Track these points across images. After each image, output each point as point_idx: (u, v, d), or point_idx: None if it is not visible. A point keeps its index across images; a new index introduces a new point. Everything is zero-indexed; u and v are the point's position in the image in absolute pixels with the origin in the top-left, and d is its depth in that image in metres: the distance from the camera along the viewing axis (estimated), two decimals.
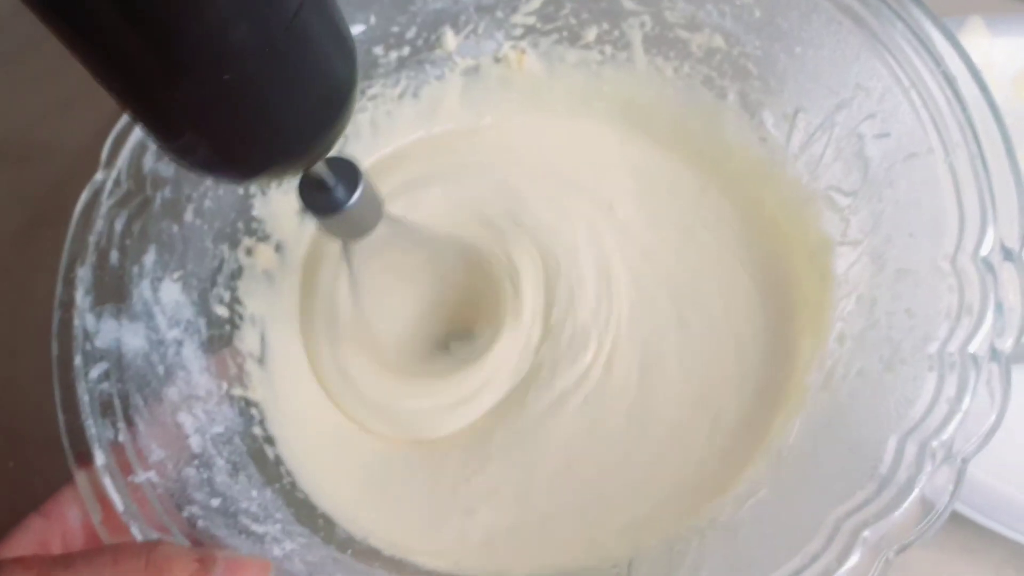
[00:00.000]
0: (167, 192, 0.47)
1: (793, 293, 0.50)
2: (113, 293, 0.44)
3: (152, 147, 0.46)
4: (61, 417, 0.41)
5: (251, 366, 0.49)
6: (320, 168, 0.35)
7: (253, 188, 0.51)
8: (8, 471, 0.55)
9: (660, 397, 0.49)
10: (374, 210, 0.40)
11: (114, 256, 0.44)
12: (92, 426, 0.40)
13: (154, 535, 0.39)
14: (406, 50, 0.54)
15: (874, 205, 0.45)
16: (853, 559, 0.36)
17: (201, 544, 0.39)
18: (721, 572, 0.40)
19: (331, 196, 0.37)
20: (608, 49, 0.55)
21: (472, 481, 0.49)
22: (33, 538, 0.39)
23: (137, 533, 0.39)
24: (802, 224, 0.50)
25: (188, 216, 0.48)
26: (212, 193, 0.49)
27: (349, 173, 0.37)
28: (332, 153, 0.34)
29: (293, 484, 0.46)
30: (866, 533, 0.36)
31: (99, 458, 0.40)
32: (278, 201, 0.53)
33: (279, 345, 0.51)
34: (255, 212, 0.52)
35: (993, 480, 0.48)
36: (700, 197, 0.55)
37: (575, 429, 0.49)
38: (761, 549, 0.39)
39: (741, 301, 0.51)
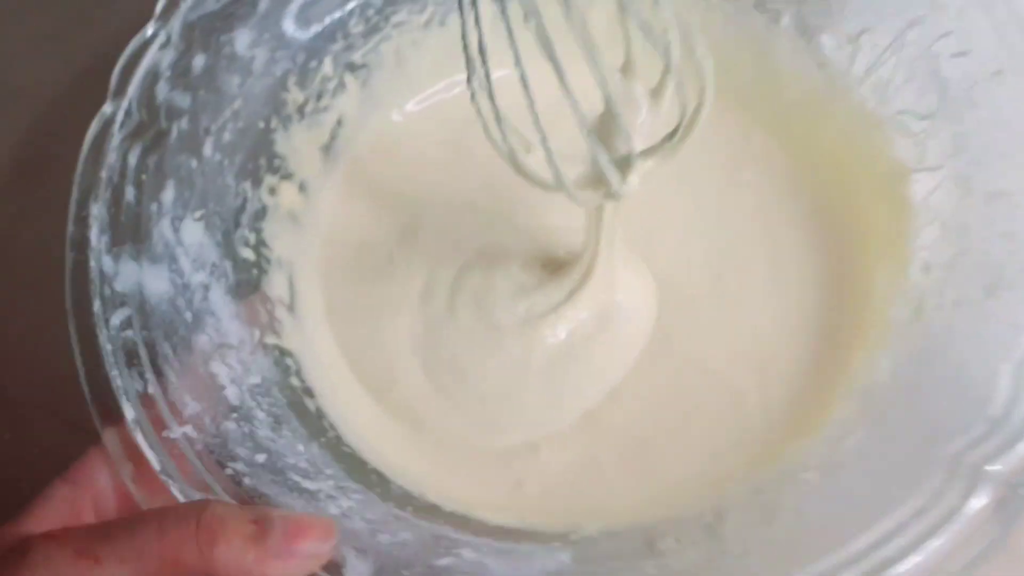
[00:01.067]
0: (183, 123, 0.44)
1: (860, 226, 0.48)
2: (131, 233, 0.41)
3: (165, 74, 0.43)
4: (82, 368, 0.37)
5: (281, 313, 0.46)
6: None
7: (274, 123, 0.48)
8: (4, 443, 0.51)
9: (702, 349, 0.48)
10: None
11: (130, 192, 0.41)
12: (118, 377, 0.37)
13: (196, 495, 0.36)
14: None
15: (955, 127, 0.44)
16: (982, 496, 0.33)
17: (250, 503, 0.37)
18: (827, 517, 0.37)
19: None
20: None
21: None
22: (61, 507, 0.36)
23: (178, 494, 0.36)
24: (868, 153, 0.48)
25: (207, 150, 0.45)
26: (231, 125, 0.46)
27: None
28: None
29: (338, 438, 0.44)
30: (997, 467, 0.33)
31: (129, 412, 0.37)
32: (300, 136, 0.50)
33: (308, 292, 0.49)
34: (277, 148, 0.49)
35: None
36: (744, 139, 0.53)
37: (629, 379, 0.48)
38: (870, 491, 0.37)
39: (793, 243, 0.50)
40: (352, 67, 0.51)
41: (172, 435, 0.37)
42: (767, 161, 0.52)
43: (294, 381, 0.44)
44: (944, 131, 0.44)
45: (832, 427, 0.42)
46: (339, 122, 0.52)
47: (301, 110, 0.50)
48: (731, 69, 0.49)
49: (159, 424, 0.37)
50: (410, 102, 0.54)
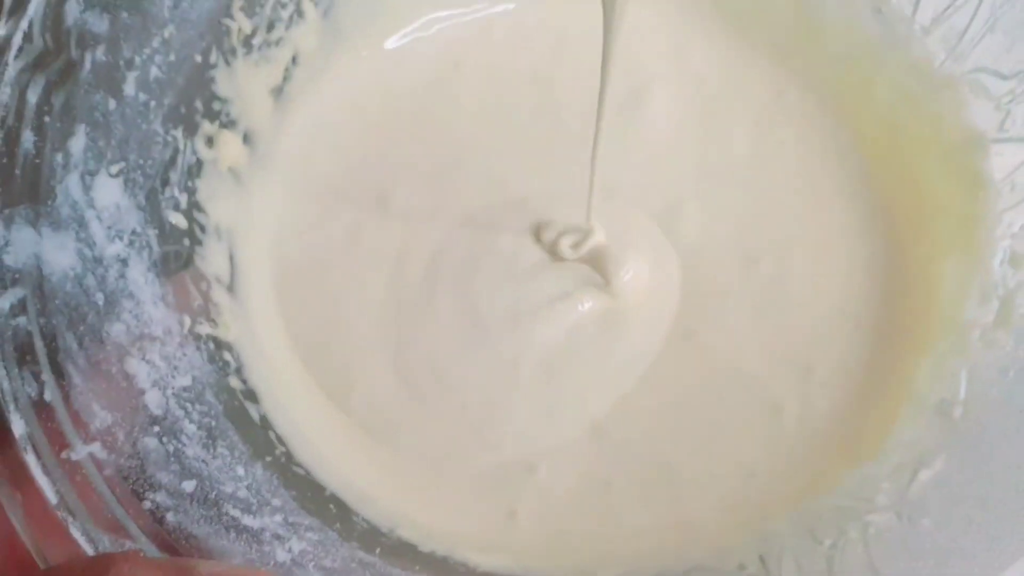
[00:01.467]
0: (100, 54, 0.39)
1: (921, 205, 0.45)
2: (28, 191, 0.36)
3: None
4: None
5: (219, 295, 0.42)
6: None
7: (214, 56, 0.44)
8: None
9: (732, 349, 0.44)
10: None
11: (27, 139, 0.37)
12: (5, 379, 0.33)
13: (104, 541, 0.32)
14: None
15: None
16: None
17: (174, 550, 0.33)
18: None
19: None
20: None
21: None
22: None
23: (80, 537, 0.32)
24: (933, 117, 0.44)
25: (129, 88, 0.40)
26: (161, 58, 0.41)
27: None
28: None
29: (288, 456, 0.40)
30: None
31: (18, 427, 0.33)
32: (247, 75, 0.45)
33: (252, 269, 0.45)
34: (217, 88, 0.44)
35: None
36: (776, 96, 0.49)
37: (643, 384, 0.44)
38: (968, 545, 0.32)
39: (839, 222, 0.46)
40: None
41: (75, 455, 0.33)
42: (804, 123, 0.48)
43: (233, 382, 0.41)
44: None
45: (898, 451, 0.38)
46: (294, 60, 0.49)
47: (248, 42, 0.46)
48: (763, 11, 0.48)
49: (58, 441, 0.33)
50: (385, 40, 0.50)
